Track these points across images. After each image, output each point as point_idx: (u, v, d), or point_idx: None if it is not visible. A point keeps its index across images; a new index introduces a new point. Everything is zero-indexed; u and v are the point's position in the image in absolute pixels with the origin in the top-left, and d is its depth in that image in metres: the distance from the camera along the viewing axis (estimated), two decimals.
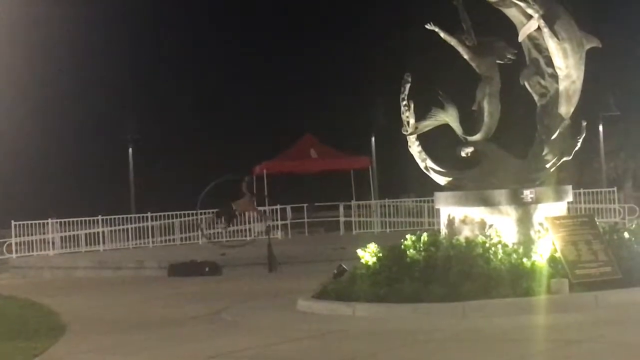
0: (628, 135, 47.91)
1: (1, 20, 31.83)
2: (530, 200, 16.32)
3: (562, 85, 16.65)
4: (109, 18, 51.17)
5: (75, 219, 33.91)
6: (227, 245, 30.52)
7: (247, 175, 33.83)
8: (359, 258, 16.71)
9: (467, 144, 16.96)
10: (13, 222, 32.90)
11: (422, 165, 17.17)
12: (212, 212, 33.33)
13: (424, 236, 16.32)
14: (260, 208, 34.67)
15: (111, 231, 34.01)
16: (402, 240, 16.45)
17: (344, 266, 17.24)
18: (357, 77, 50.98)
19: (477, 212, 16.43)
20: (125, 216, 34.96)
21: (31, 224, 33.32)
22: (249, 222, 34.95)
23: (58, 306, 19.17)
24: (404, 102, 16.80)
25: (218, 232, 34.40)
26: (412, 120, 16.91)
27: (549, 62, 16.69)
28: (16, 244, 32.82)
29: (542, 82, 16.92)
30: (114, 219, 34.26)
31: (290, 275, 23.84)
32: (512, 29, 17.09)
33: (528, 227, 16.25)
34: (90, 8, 47.49)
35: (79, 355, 13.45)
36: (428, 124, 17.10)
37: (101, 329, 15.98)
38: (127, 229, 34.33)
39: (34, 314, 18.39)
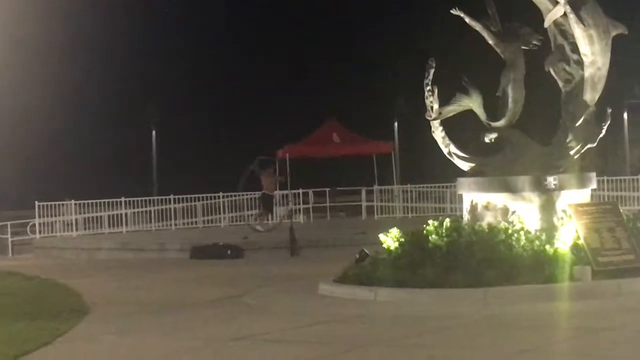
0: None
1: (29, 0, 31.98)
2: (553, 187, 16.25)
3: (588, 72, 16.55)
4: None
5: (98, 201, 34.08)
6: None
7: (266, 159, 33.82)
8: (380, 243, 16.72)
9: (491, 129, 16.91)
10: (37, 203, 33.09)
11: (445, 150, 17.13)
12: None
13: (447, 222, 16.28)
14: (284, 192, 34.79)
15: (134, 213, 34.14)
16: (425, 225, 16.42)
17: (366, 251, 17.24)
18: (381, 62, 50.93)
19: (500, 199, 16.39)
20: (147, 198, 35.10)
21: (55, 204, 33.50)
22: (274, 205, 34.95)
23: (81, 287, 19.27)
24: (428, 87, 16.76)
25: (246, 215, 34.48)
26: (435, 106, 16.87)
27: (575, 49, 16.59)
28: (40, 224, 33.02)
29: (568, 68, 16.82)
30: (137, 201, 34.39)
31: (311, 259, 23.87)
32: (537, 15, 16.99)
33: (551, 214, 16.19)
34: None
35: (102, 336, 13.53)
36: (452, 110, 17.05)
37: (123, 310, 16.06)
38: (150, 211, 34.46)
39: (57, 295, 18.50)
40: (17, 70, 39.02)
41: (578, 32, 16.28)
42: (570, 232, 15.72)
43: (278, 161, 36.16)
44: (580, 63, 16.61)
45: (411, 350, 11.75)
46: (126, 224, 33.66)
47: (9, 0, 29.05)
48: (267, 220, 32.69)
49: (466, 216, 16.78)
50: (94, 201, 34.08)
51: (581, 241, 15.58)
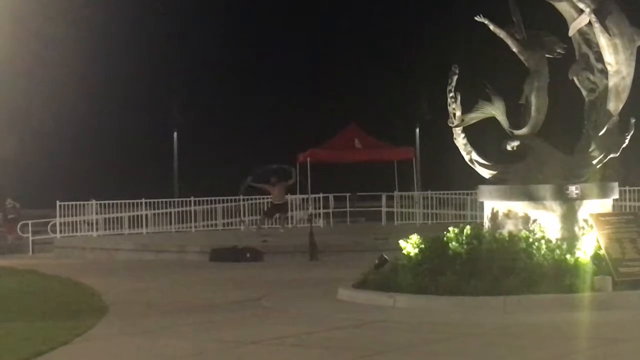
0: None
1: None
2: (575, 196, 16.18)
3: (612, 82, 16.48)
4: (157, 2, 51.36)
5: (119, 201, 34.17)
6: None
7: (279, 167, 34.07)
8: (400, 249, 16.67)
9: (514, 137, 16.84)
10: (58, 203, 33.21)
11: (467, 157, 17.08)
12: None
13: (467, 229, 16.23)
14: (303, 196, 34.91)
15: (154, 214, 34.22)
16: (445, 232, 16.38)
17: (386, 257, 17.21)
18: (404, 68, 50.89)
19: (521, 207, 16.32)
20: (168, 200, 35.18)
21: (75, 204, 33.62)
22: (290, 210, 34.98)
23: (100, 287, 19.34)
24: (451, 94, 16.73)
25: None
26: (458, 112, 16.83)
27: (599, 58, 16.52)
28: (60, 224, 33.14)
29: (592, 77, 16.76)
30: (157, 202, 34.47)
31: (331, 264, 23.84)
32: (562, 23, 16.93)
33: (572, 223, 16.12)
34: None
35: (121, 337, 13.56)
36: (474, 117, 17.00)
37: (142, 311, 16.09)
38: (170, 213, 34.54)
39: (77, 294, 18.57)
40: (40, 71, 39.18)
41: (603, 41, 16.21)
42: (591, 242, 15.64)
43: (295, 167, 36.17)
44: (604, 72, 16.54)
45: (429, 357, 11.72)
46: (146, 225, 33.74)
47: (32, 2, 29.19)
48: (265, 225, 32.89)
49: (487, 224, 16.72)
50: (114, 202, 34.18)
51: (602, 251, 15.50)
